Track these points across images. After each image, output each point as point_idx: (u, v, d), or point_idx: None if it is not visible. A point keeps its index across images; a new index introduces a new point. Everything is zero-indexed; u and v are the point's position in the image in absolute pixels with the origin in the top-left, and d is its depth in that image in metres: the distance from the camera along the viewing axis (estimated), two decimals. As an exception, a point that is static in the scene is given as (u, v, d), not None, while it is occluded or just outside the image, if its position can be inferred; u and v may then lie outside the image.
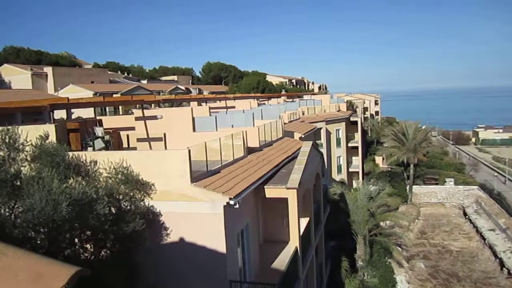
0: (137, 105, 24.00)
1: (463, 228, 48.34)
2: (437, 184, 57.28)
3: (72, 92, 47.00)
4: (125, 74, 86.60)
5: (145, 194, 11.59)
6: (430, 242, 44.76)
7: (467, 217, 50.27)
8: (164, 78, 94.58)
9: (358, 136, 57.32)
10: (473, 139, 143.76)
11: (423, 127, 57.90)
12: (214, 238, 11.59)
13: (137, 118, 19.49)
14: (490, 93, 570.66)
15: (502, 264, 37.22)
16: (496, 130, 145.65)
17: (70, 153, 10.99)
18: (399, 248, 36.15)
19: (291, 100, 57.03)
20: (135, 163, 11.49)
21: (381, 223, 33.89)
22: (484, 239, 42.86)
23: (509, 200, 56.37)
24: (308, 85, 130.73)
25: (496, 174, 70.92)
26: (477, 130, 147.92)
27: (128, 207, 10.84)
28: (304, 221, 18.61)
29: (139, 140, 18.54)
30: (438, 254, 41.94)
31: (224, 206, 11.47)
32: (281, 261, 15.93)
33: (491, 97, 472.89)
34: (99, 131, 16.19)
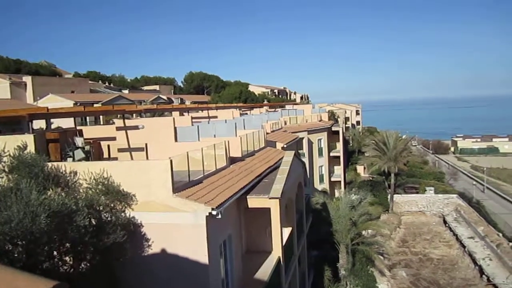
0: (118, 115, 23.76)
1: (443, 236, 48.96)
2: (417, 192, 58.02)
3: (52, 101, 46.38)
4: (106, 84, 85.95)
5: (126, 205, 11.44)
6: (411, 251, 45.19)
7: (447, 225, 50.96)
8: (146, 87, 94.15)
9: (339, 145, 57.78)
10: (452, 148, 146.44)
11: (403, 136, 58.69)
12: (197, 249, 11.49)
13: (118, 128, 19.28)
14: (472, 103, 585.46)
15: (481, 271, 37.76)
16: (474, 140, 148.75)
17: (49, 164, 10.81)
18: (381, 257, 36.39)
19: (273, 110, 57.25)
20: (116, 174, 11.35)
21: (363, 232, 34.07)
22: (464, 246, 43.48)
23: (487, 208, 57.42)
24: (290, 95, 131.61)
25: (474, 182, 72.25)
26: (456, 139, 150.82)
27: (109, 219, 10.67)
28: (287, 231, 18.61)
29: (120, 150, 18.33)
30: (419, 262, 42.36)
31: (207, 217, 11.39)
32: (264, 272, 15.86)
33: (472, 107, 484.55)
34: (79, 141, 15.96)
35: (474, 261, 40.01)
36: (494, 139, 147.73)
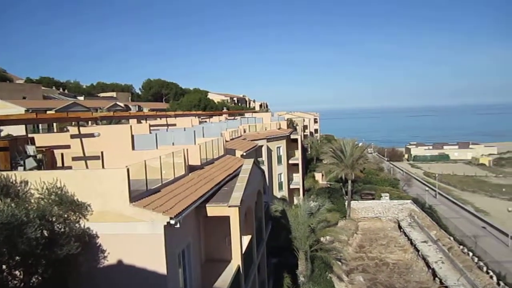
0: (73, 122, 23.09)
1: (398, 241, 50.40)
2: (373, 199, 59.49)
3: (2, 108, 44.45)
4: (61, 90, 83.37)
5: (80, 216, 11.10)
6: (368, 256, 46.21)
7: (401, 230, 52.50)
8: (102, 94, 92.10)
9: (298, 153, 58.45)
10: (406, 156, 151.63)
11: (360, 144, 60.12)
12: (154, 259, 11.28)
13: (72, 136, 18.69)
14: (425, 112, 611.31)
15: (434, 274, 39.12)
16: (427, 147, 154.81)
17: (-2, 173, 10.38)
18: (339, 263, 36.94)
19: (232, 118, 57.30)
20: (70, 183, 11.01)
21: (322, 239, 34.52)
22: (418, 250, 44.91)
23: (439, 213, 59.61)
24: (249, 103, 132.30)
25: (427, 188, 74.80)
26: (409, 147, 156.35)
27: (62, 230, 10.31)
28: (246, 239, 18.59)
29: (74, 159, 17.78)
30: (376, 267, 43.37)
31: (165, 226, 11.23)
32: (223, 280, 15.78)
33: (421, 116, 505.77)
34: (30, 149, 15.38)
35: (427, 264, 41.41)
36: (445, 147, 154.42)
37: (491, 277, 35.79)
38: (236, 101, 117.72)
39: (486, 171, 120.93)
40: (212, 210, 15.56)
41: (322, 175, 65.85)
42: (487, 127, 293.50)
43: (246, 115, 65.32)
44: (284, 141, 52.02)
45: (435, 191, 76.81)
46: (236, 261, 15.97)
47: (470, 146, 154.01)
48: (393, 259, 45.38)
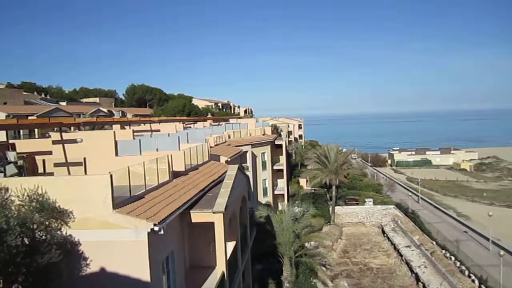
0: (55, 128, 22.80)
1: (382, 245, 50.76)
2: (357, 204, 59.87)
3: (-18, 113, 43.69)
4: (42, 95, 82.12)
5: (62, 223, 10.93)
6: (352, 261, 46.44)
7: (385, 235, 52.92)
8: (85, 100, 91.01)
9: (283, 159, 58.61)
10: (389, 161, 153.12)
11: (344, 150, 60.56)
12: (138, 267, 11.17)
13: (54, 142, 18.43)
14: (409, 118, 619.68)
15: (417, 278, 39.46)
16: (409, 153, 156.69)
17: (-22, 180, 10.18)
18: (324, 268, 37.09)
19: (217, 123, 57.22)
20: (51, 190, 10.84)
21: (306, 244, 34.63)
22: (401, 255, 45.29)
23: (422, 218, 60.20)
24: (234, 109, 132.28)
25: (410, 193, 75.47)
26: (393, 152, 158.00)
27: (43, 237, 10.14)
28: (231, 245, 18.54)
29: (56, 165, 17.53)
30: (360, 272, 43.59)
31: (148, 233, 11.13)
32: (208, 287, 15.69)
33: (409, 122, 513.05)
34: (11, 155, 15.14)
35: (410, 269, 41.77)
36: (427, 152, 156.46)
37: (473, 281, 36.26)
38: (220, 107, 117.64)
39: (467, 176, 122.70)
40: (197, 216, 15.49)
41: (307, 180, 66.06)
42: (468, 133, 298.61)
43: (231, 120, 65.30)
44: (269, 147, 52.10)
45: (418, 196, 77.53)
46: (220, 267, 15.91)
47: (452, 151, 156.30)
48: (377, 264, 45.69)
